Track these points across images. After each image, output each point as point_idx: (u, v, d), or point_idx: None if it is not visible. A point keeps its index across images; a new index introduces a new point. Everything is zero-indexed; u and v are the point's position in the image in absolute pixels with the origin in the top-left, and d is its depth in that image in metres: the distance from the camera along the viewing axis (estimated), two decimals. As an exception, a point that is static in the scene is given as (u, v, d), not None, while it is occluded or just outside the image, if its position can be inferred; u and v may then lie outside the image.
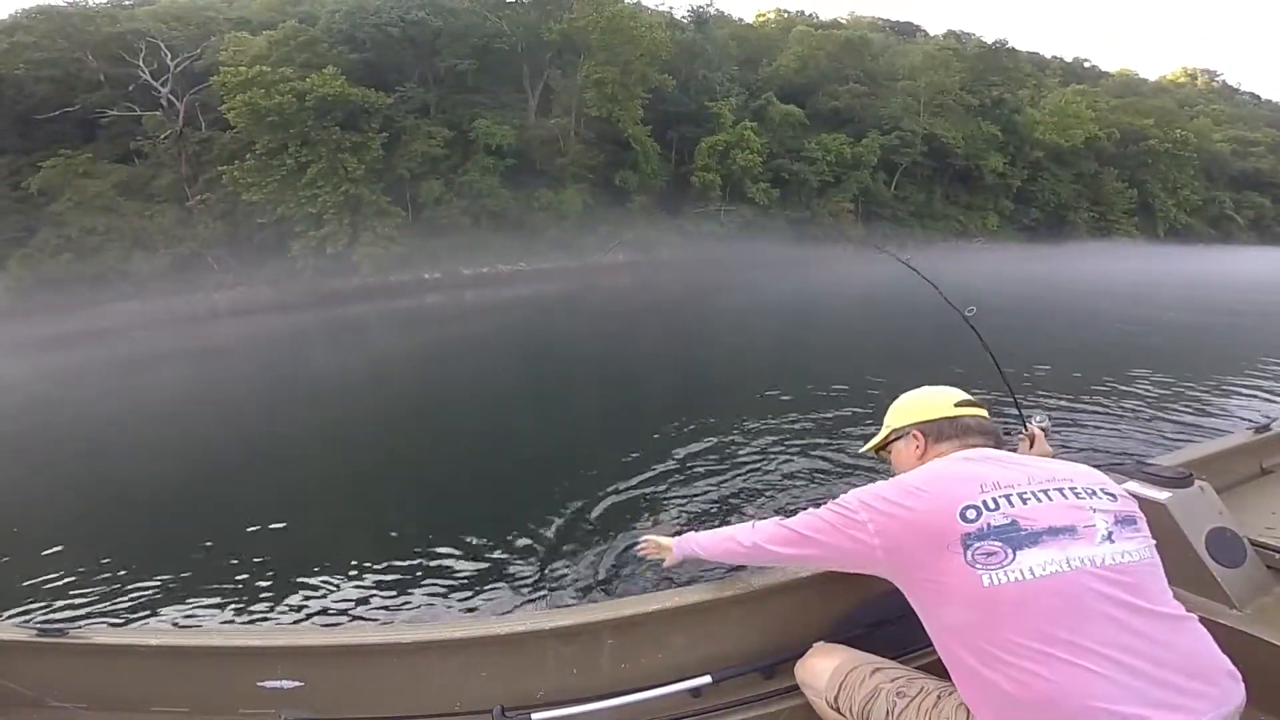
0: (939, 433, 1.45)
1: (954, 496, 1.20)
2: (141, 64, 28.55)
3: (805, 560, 1.39)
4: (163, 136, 28.87)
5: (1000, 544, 1.13)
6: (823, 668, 1.41)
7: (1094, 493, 1.23)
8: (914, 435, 1.48)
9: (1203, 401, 7.32)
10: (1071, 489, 1.22)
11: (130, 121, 28.69)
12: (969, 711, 1.19)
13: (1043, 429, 1.86)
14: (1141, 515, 1.25)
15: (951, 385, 1.56)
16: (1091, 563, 1.12)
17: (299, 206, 27.51)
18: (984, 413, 1.48)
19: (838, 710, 1.35)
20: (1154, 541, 1.23)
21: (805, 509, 1.40)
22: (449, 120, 31.47)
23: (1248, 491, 2.14)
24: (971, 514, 1.17)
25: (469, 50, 32.22)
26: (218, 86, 27.35)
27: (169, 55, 29.18)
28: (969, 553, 1.14)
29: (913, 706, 1.25)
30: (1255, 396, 7.52)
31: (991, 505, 1.17)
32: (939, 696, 1.24)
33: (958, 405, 1.48)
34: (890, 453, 1.56)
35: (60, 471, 7.35)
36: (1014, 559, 1.12)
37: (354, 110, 28.39)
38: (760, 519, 1.49)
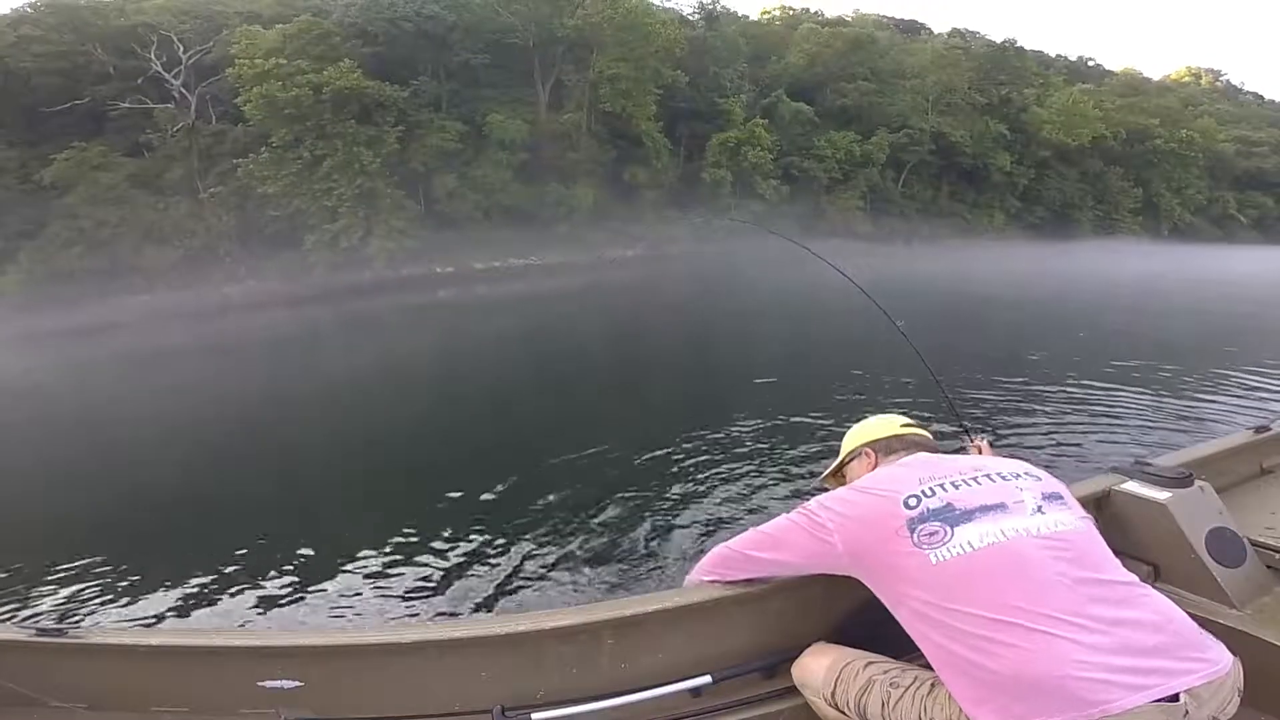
0: (887, 448, 1.62)
1: (897, 489, 1.32)
2: (153, 57, 28.38)
3: (780, 566, 1.46)
4: (174, 129, 28.71)
5: (939, 523, 1.23)
6: (817, 666, 1.43)
7: (1018, 475, 1.34)
8: (866, 453, 1.66)
9: (1203, 401, 7.34)
10: (997, 474, 1.33)
11: (139, 115, 28.52)
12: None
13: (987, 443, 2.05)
14: (1069, 493, 1.35)
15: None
16: (1027, 532, 1.20)
17: (314, 200, 27.45)
18: (925, 432, 1.67)
19: (835, 707, 1.37)
20: (1089, 516, 1.31)
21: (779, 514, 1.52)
22: (461, 115, 31.47)
23: (1248, 491, 2.14)
24: (912, 501, 1.28)
25: (482, 45, 32.19)
26: (233, 79, 27.25)
27: (181, 48, 29.01)
28: (915, 535, 1.23)
29: (907, 696, 1.27)
30: (1255, 396, 7.54)
31: (928, 493, 1.29)
32: (933, 685, 1.26)
33: (903, 426, 1.68)
34: (846, 474, 1.73)
35: (62, 468, 7.25)
36: (953, 535, 1.20)
37: (369, 104, 28.35)
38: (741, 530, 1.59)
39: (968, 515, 1.23)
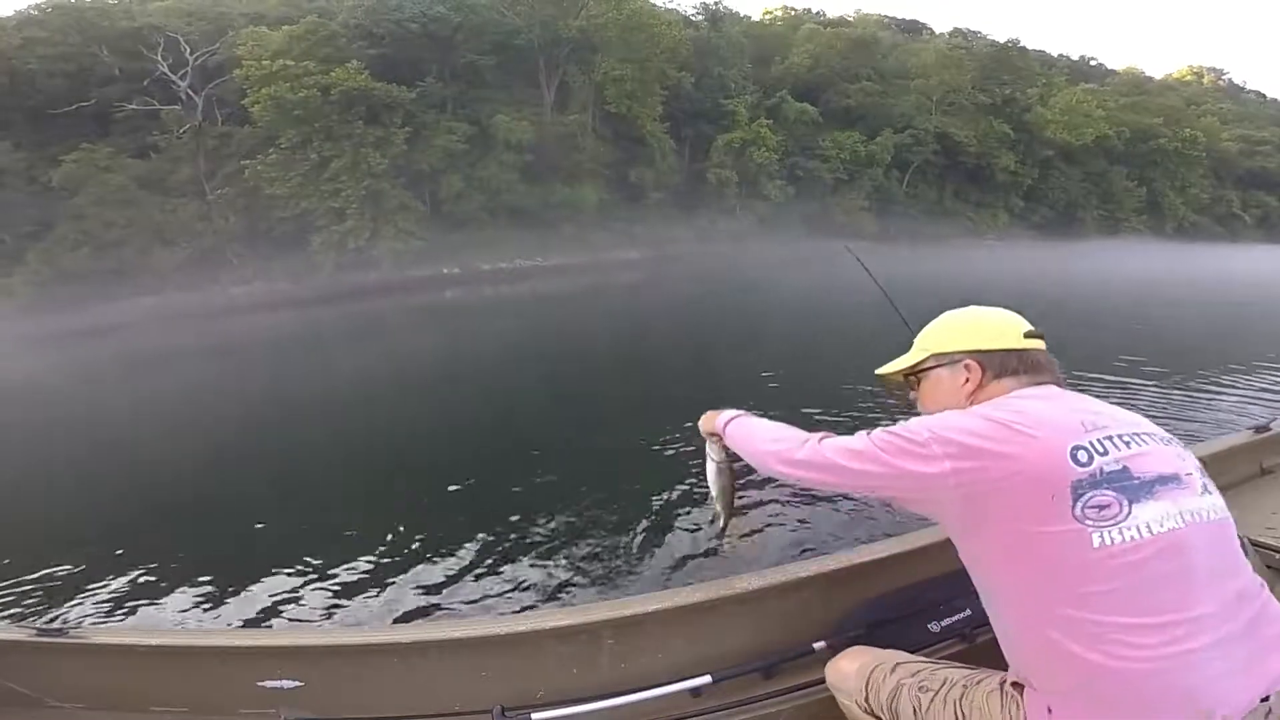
0: (1002, 366, 1.18)
1: (1061, 435, 0.99)
2: (159, 58, 28.44)
3: (857, 483, 1.12)
4: (181, 131, 28.75)
5: (1114, 494, 0.95)
6: (849, 670, 1.35)
7: (1170, 439, 1.08)
8: (967, 365, 1.20)
9: (1203, 401, 7.31)
10: (1156, 436, 1.06)
11: (146, 116, 28.55)
12: (1003, 698, 1.09)
13: None
14: None
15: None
16: (1198, 516, 0.98)
17: (321, 201, 27.44)
18: (1045, 348, 1.24)
19: (870, 712, 1.29)
20: None
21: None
22: (467, 116, 31.53)
23: (1248, 491, 2.13)
24: (1083, 456, 0.97)
25: (487, 46, 32.29)
26: (240, 80, 27.28)
27: (188, 50, 29.06)
28: (1079, 505, 0.94)
29: (939, 700, 1.15)
30: (1255, 396, 7.50)
31: (1100, 448, 0.98)
32: (965, 687, 1.15)
33: (1026, 336, 1.22)
34: (921, 380, 1.29)
35: (64, 468, 7.24)
36: (1129, 514, 0.94)
37: (377, 105, 28.40)
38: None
39: (1148, 488, 0.96)
